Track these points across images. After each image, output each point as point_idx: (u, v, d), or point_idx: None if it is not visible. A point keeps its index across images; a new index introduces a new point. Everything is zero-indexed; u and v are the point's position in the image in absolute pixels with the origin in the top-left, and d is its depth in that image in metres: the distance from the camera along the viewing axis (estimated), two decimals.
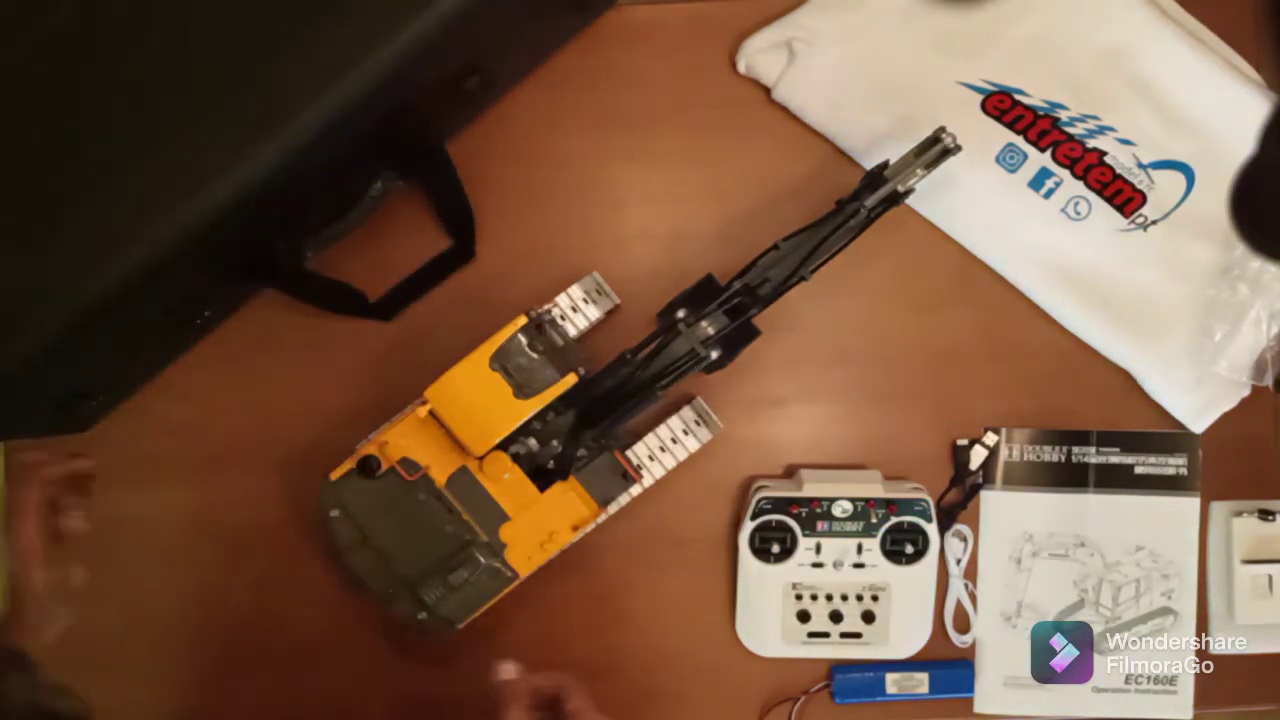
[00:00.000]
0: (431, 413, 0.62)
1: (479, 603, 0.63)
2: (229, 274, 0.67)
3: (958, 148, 0.61)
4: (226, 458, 0.73)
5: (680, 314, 0.61)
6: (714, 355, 0.61)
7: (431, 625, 0.62)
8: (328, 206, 0.69)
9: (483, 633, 0.73)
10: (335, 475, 0.62)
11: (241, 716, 0.71)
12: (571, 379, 0.61)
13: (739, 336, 0.63)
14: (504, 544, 0.62)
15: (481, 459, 0.62)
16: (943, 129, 0.61)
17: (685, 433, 0.69)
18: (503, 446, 0.63)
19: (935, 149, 0.61)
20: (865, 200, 0.61)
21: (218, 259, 0.63)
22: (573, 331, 0.68)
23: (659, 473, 0.69)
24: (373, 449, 0.63)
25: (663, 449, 0.69)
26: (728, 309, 0.62)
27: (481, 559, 0.62)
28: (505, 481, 0.62)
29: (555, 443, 0.63)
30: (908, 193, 0.62)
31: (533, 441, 0.63)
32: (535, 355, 0.61)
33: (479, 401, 0.61)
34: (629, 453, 0.68)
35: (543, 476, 0.63)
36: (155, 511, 0.73)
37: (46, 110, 0.56)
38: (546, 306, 0.67)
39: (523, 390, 0.61)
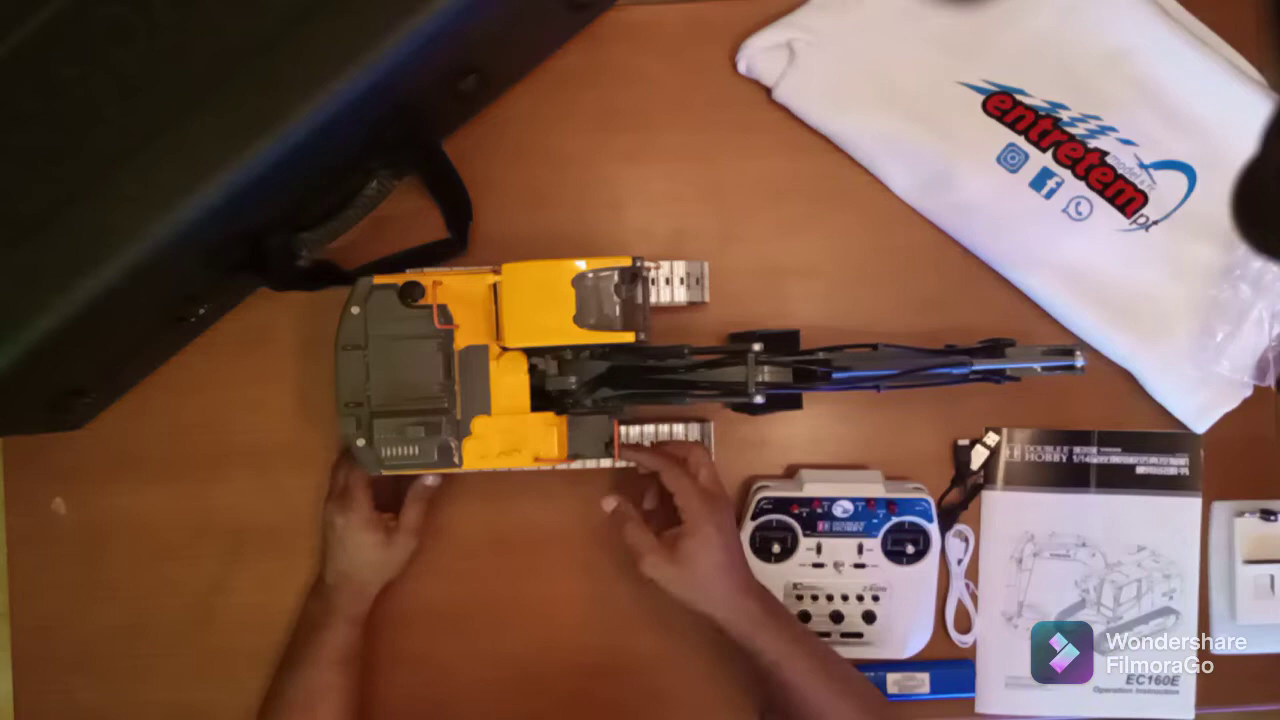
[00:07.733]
0: (494, 286, 0.62)
1: (413, 464, 0.62)
2: (223, 272, 0.67)
3: (1082, 369, 0.63)
4: (225, 456, 0.73)
5: (756, 347, 0.61)
6: (758, 400, 0.61)
7: (361, 455, 0.62)
8: (323, 204, 0.69)
9: (483, 632, 0.73)
10: (379, 280, 0.63)
11: (241, 716, 0.71)
12: (629, 337, 0.61)
13: (786, 398, 0.64)
14: (469, 432, 0.62)
15: (506, 350, 0.62)
16: (1077, 349, 0.63)
17: None
18: (529, 352, 0.63)
19: (1062, 360, 0.63)
20: (975, 362, 0.63)
21: (212, 257, 0.63)
22: (653, 299, 0.68)
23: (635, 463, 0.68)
24: (425, 281, 0.62)
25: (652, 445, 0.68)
26: (797, 369, 0.63)
27: (443, 430, 0.62)
28: (509, 382, 0.62)
29: (573, 380, 0.63)
30: (1012, 378, 0.64)
31: (555, 365, 0.63)
32: (614, 297, 0.61)
33: (541, 304, 0.61)
34: (625, 429, 0.68)
35: (542, 399, 0.63)
36: (155, 511, 0.73)
37: (39, 106, 0.56)
38: (650, 264, 0.67)
39: (583, 319, 0.60)
